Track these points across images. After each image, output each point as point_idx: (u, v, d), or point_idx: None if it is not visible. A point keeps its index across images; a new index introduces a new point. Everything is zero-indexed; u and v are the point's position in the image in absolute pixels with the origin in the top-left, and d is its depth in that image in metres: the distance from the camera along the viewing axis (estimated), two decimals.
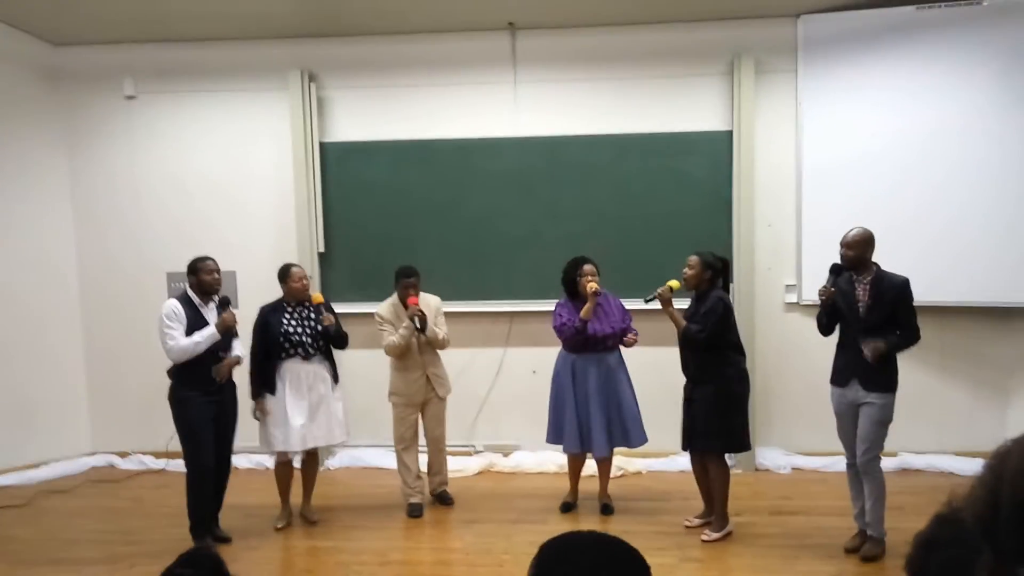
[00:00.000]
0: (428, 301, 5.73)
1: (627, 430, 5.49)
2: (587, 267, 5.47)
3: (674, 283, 5.09)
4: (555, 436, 5.64)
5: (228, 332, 5.14)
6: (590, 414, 5.43)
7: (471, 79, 6.89)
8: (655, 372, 5.91)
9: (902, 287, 4.61)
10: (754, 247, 6.59)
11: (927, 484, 6.05)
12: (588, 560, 1.39)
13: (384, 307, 5.73)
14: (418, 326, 5.52)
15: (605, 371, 5.45)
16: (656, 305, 5.14)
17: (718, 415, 5.02)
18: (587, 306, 5.38)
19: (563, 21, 6.69)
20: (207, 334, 5.02)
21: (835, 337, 4.85)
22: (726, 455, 5.26)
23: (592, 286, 5.37)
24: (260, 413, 5.37)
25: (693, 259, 5.10)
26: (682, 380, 5.24)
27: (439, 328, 5.69)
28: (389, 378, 5.80)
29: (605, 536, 1.48)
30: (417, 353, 5.67)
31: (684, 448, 5.30)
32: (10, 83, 6.86)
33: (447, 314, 5.86)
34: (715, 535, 5.12)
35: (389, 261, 6.37)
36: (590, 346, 5.46)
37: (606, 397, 5.43)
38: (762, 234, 6.67)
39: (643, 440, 5.55)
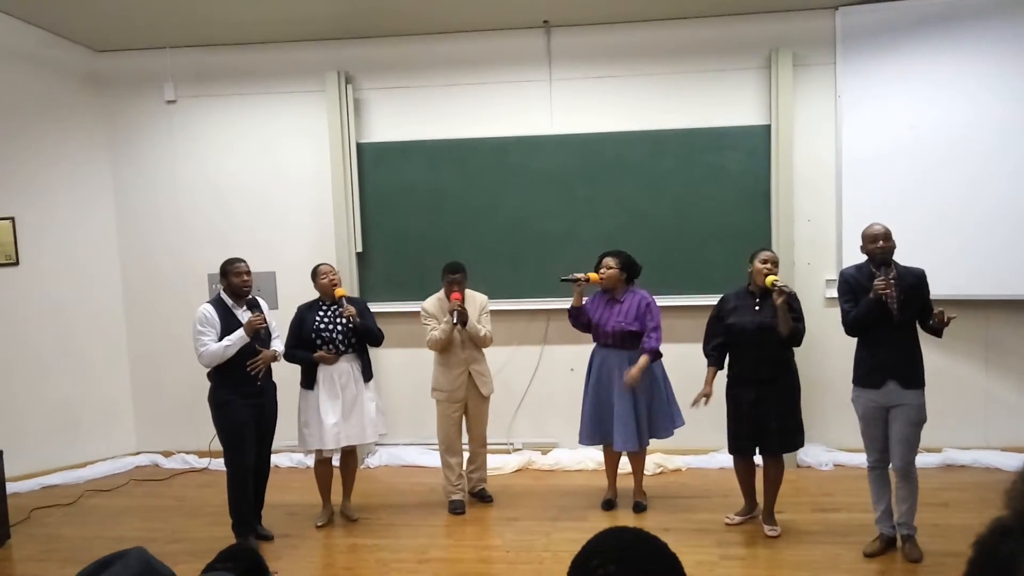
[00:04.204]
0: (475, 299, 5.77)
1: (654, 423, 5.50)
2: (605, 259, 5.51)
3: (774, 279, 4.87)
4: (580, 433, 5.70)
5: (255, 335, 5.14)
6: (613, 409, 5.43)
7: (506, 78, 6.89)
8: (692, 369, 5.84)
9: (924, 277, 4.59)
10: (794, 242, 6.52)
11: (972, 480, 5.96)
12: (618, 552, 1.39)
13: (429, 301, 5.76)
14: (455, 321, 5.55)
15: (629, 367, 5.40)
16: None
17: (796, 410, 5.02)
18: (576, 290, 5.49)
19: (598, 18, 6.66)
20: (236, 338, 5.06)
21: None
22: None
23: (591, 276, 5.45)
24: (325, 362, 5.40)
25: (773, 255, 5.01)
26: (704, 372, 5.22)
27: (481, 325, 5.70)
28: (432, 374, 5.82)
29: (642, 532, 1.47)
30: (459, 349, 5.69)
31: (740, 451, 5.18)
32: (53, 89, 6.98)
33: None
34: (778, 529, 5.10)
35: (427, 260, 6.41)
36: (603, 339, 5.53)
37: (629, 393, 5.40)
38: (801, 229, 6.60)
39: (668, 433, 5.56)
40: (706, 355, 5.23)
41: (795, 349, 5.04)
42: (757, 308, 4.97)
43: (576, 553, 1.44)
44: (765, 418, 4.97)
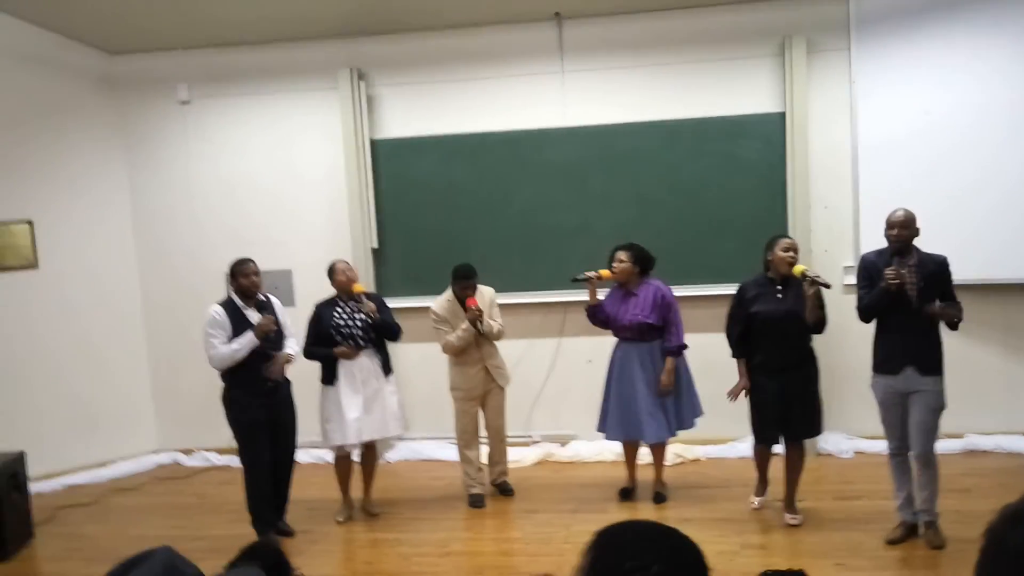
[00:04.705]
0: (483, 293, 5.74)
1: (679, 414, 5.50)
2: (618, 254, 5.49)
3: (803, 268, 4.84)
4: (600, 423, 5.67)
5: (266, 337, 5.11)
6: (636, 402, 5.41)
7: (518, 71, 6.88)
8: (709, 358, 5.82)
9: (946, 264, 4.53)
10: (810, 229, 6.48)
11: (994, 466, 5.92)
12: (644, 548, 1.38)
13: (439, 304, 5.74)
14: (477, 328, 5.56)
15: (650, 359, 5.41)
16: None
17: (818, 396, 5.00)
18: (590, 289, 5.51)
19: (609, 9, 6.64)
20: (245, 340, 5.04)
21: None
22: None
23: (602, 272, 5.45)
24: (345, 357, 5.43)
25: (793, 242, 4.97)
26: (723, 362, 5.19)
27: (493, 321, 5.70)
28: (448, 372, 5.83)
29: (661, 526, 1.47)
30: (474, 348, 5.69)
31: (766, 441, 5.15)
32: (68, 93, 7.03)
33: (501, 306, 5.87)
34: (800, 517, 5.08)
35: (442, 255, 6.42)
36: (621, 333, 5.53)
37: (649, 385, 5.40)
38: (818, 215, 6.56)
39: (691, 423, 5.55)
40: (732, 346, 5.14)
41: (814, 336, 5.02)
42: (780, 296, 4.93)
43: (597, 542, 1.43)
44: (789, 406, 4.93)
